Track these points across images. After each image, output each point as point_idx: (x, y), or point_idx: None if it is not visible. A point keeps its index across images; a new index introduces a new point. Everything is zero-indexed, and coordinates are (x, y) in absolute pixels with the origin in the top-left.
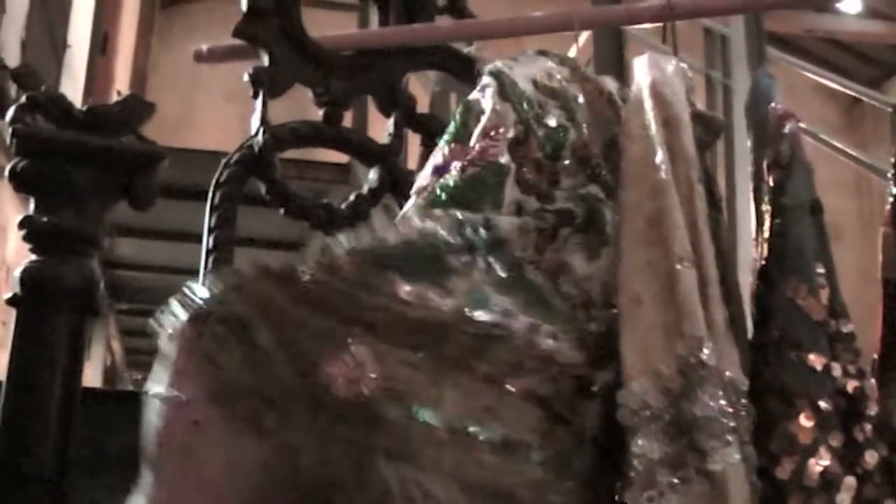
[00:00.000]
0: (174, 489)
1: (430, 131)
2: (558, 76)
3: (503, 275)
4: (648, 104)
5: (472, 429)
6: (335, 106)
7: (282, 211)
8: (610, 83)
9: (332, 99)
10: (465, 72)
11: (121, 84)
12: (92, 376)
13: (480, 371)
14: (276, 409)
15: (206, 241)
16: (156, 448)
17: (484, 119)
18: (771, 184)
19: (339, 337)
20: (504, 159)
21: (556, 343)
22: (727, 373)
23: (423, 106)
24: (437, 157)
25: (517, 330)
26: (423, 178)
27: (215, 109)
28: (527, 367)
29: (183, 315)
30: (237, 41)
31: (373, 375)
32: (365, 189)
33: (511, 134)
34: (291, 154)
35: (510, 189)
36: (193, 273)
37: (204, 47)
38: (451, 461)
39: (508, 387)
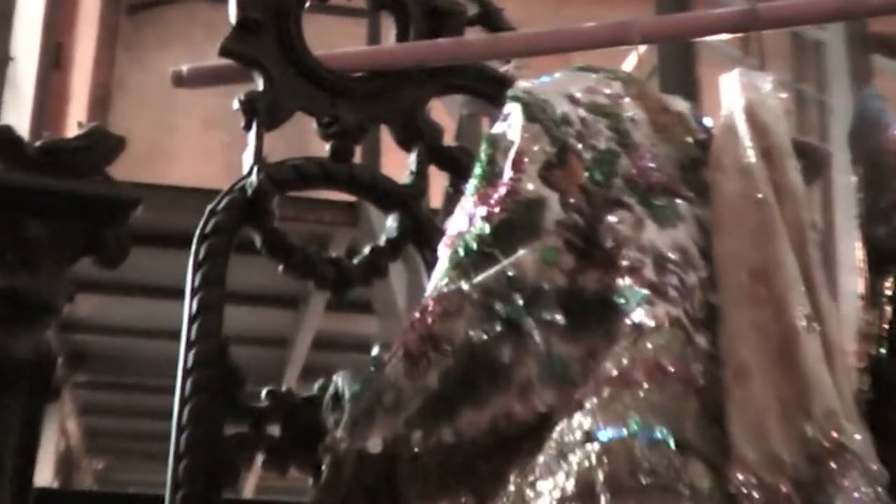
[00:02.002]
0: None
1: (459, 168)
2: (606, 91)
3: (562, 322)
4: (745, 132)
5: None
6: (345, 139)
7: (280, 268)
8: (680, 104)
9: (340, 130)
10: (500, 96)
11: (78, 105)
12: (40, 468)
13: None
14: None
15: (189, 304)
16: None
17: (513, 150)
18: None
19: None
20: (534, 188)
21: None
22: (869, 462)
23: (449, 135)
24: (466, 206)
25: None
26: (455, 228)
27: (195, 136)
28: None
29: None
30: (224, 60)
31: None
32: (382, 240)
33: (542, 158)
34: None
35: (553, 216)
36: (170, 336)
37: (184, 68)
38: None
39: None
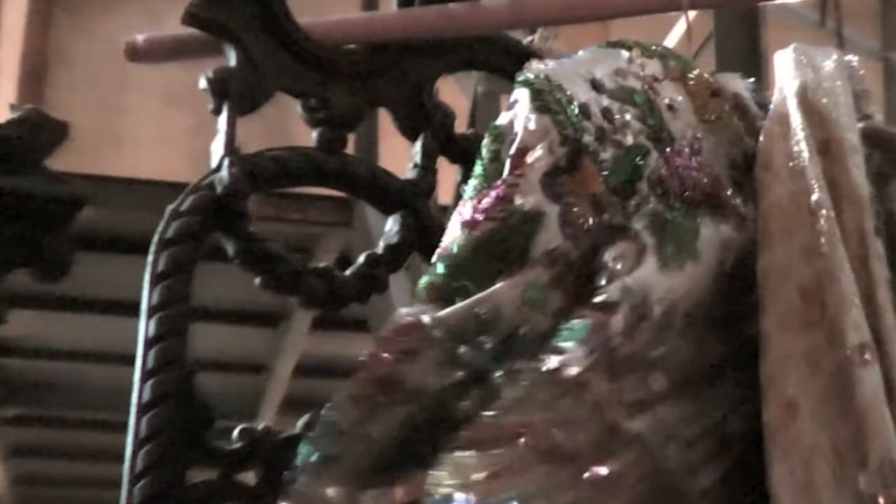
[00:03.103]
0: None
1: (474, 159)
2: (642, 73)
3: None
4: (797, 121)
5: None
6: (336, 125)
7: (256, 281)
8: (737, 83)
9: (331, 115)
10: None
11: (7, 80)
12: None
13: None
14: None
15: (146, 325)
16: None
17: (513, 147)
18: None
19: None
20: (532, 199)
21: None
22: None
23: (461, 120)
24: (464, 212)
25: None
26: (448, 238)
27: (152, 119)
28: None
29: None
30: (189, 28)
31: None
32: (381, 246)
33: (548, 160)
34: None
35: (545, 241)
36: (122, 362)
37: (139, 38)
38: None
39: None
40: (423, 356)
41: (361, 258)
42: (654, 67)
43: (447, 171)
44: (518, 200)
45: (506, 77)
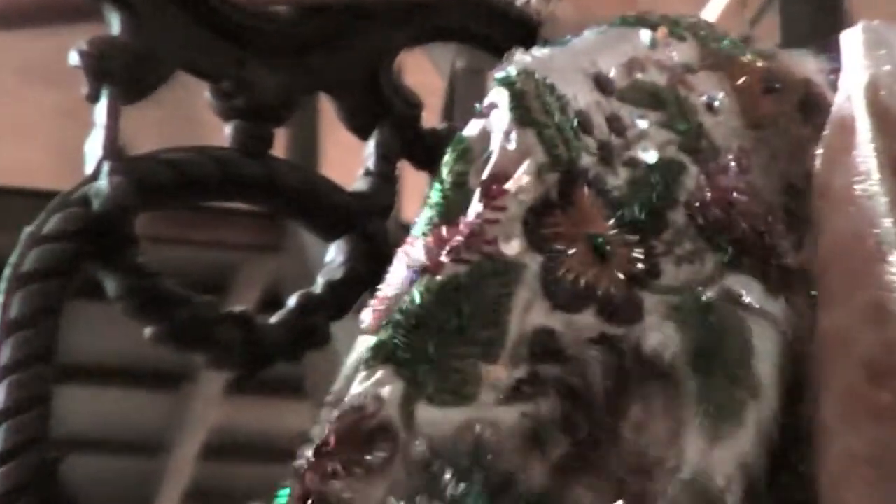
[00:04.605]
0: None
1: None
2: (670, 62)
3: None
4: (865, 130)
5: None
6: (260, 117)
7: (147, 332)
8: (809, 65)
9: (252, 103)
10: (517, 43)
11: None
12: None
13: None
14: None
15: None
16: None
17: (488, 168)
18: None
19: None
20: (518, 246)
21: None
22: None
23: (433, 108)
24: (414, 253)
25: None
26: (389, 289)
27: (6, 101)
28: None
29: None
30: None
31: None
32: (319, 284)
33: (535, 190)
34: None
35: (524, 311)
36: None
37: None
38: None
39: None
40: (390, 476)
41: (293, 300)
42: (687, 53)
43: (413, 180)
44: (501, 243)
45: (493, 51)
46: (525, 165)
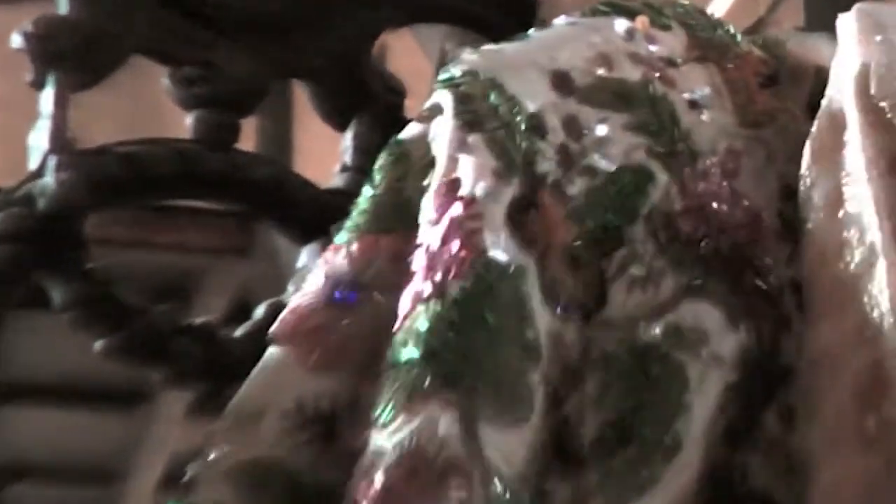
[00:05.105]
0: None
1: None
2: (647, 54)
3: None
4: (855, 125)
5: None
6: (225, 106)
7: (97, 346)
8: (824, 52)
9: (218, 90)
10: (512, 25)
11: None
12: None
13: None
14: None
15: None
16: None
17: (437, 176)
18: None
19: None
20: (506, 254)
21: None
22: None
23: (419, 94)
24: (334, 260)
25: None
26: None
27: None
28: None
29: None
30: None
31: None
32: (290, 292)
33: (506, 189)
34: None
35: (537, 323)
36: None
37: None
38: None
39: None
40: None
41: (262, 310)
42: (670, 44)
43: None
44: (492, 250)
45: (487, 33)
46: (479, 171)
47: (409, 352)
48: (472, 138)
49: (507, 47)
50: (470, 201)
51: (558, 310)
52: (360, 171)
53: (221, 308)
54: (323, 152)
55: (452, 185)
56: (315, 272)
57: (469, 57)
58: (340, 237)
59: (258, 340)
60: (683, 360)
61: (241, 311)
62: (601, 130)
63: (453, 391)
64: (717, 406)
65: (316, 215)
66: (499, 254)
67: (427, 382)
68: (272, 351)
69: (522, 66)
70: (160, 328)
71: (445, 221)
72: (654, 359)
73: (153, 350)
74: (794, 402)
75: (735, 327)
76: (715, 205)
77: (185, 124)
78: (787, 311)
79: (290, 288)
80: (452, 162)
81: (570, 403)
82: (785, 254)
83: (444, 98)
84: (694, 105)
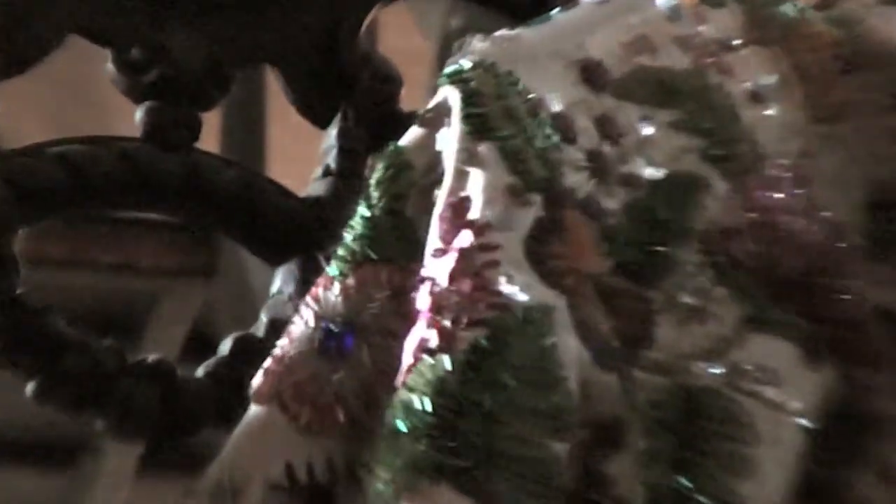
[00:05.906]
0: None
1: None
2: (697, 36)
3: None
4: None
5: None
6: (181, 97)
7: (29, 389)
8: None
9: (173, 78)
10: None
11: None
12: None
13: None
14: None
15: None
16: None
17: (443, 195)
18: None
19: None
20: (528, 293)
21: None
22: None
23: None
24: (326, 298)
25: None
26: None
27: None
28: None
29: None
30: None
31: None
32: (262, 322)
33: (521, 221)
34: None
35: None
36: None
37: None
38: None
39: None
40: None
41: (227, 345)
42: (725, 23)
43: None
44: (510, 288)
45: (499, 6)
46: (492, 190)
47: (414, 420)
48: (484, 148)
49: (525, 33)
50: (481, 228)
51: (593, 354)
52: (345, 175)
53: (178, 342)
54: (300, 153)
55: (460, 207)
56: (303, 313)
57: (480, 45)
58: (332, 269)
59: (222, 381)
60: (750, 408)
61: (203, 346)
62: (643, 131)
63: (465, 477)
64: (793, 463)
65: (292, 230)
66: (518, 294)
67: (433, 465)
68: (254, 410)
69: (544, 55)
70: (104, 366)
71: (453, 253)
72: (714, 407)
73: (95, 393)
74: (893, 458)
75: (814, 366)
76: (786, 218)
77: (132, 119)
78: (877, 345)
79: (263, 318)
80: (460, 177)
81: (611, 466)
82: (873, 276)
83: (451, 96)
84: (756, 97)
